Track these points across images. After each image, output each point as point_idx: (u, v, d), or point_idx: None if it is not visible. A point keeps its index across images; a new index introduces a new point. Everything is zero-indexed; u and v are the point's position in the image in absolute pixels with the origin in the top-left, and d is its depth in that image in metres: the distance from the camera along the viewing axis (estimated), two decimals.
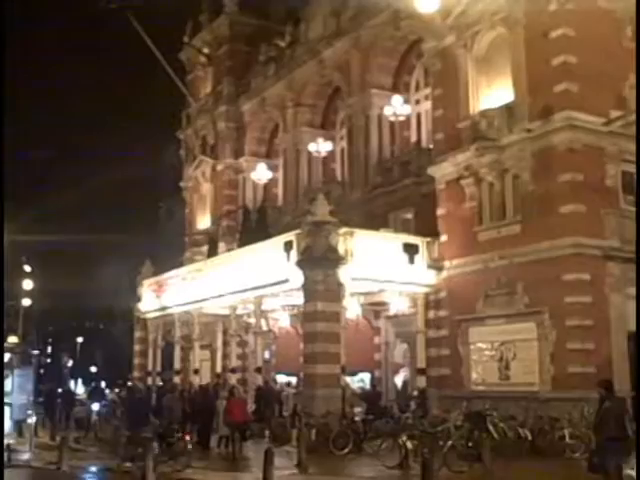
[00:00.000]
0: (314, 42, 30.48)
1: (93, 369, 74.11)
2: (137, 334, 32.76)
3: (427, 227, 22.92)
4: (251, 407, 22.77)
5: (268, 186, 33.92)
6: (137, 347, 32.83)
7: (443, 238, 22.41)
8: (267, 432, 21.70)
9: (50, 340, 77.70)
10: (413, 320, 23.16)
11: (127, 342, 37.70)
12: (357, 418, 20.16)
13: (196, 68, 39.16)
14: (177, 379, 28.89)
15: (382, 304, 24.38)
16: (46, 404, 26.38)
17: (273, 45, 34.07)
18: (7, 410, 17.20)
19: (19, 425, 19.64)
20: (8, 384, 17.46)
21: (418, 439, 15.52)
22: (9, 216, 21.20)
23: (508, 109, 20.64)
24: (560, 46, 19.52)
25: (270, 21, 35.98)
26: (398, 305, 23.52)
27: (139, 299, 31.71)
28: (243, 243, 26.34)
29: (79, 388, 63.45)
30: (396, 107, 25.84)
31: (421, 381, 22.32)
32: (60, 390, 30.54)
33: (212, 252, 29.74)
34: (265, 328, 27.33)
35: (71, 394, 30.13)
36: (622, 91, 19.87)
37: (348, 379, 24.35)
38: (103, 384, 53.35)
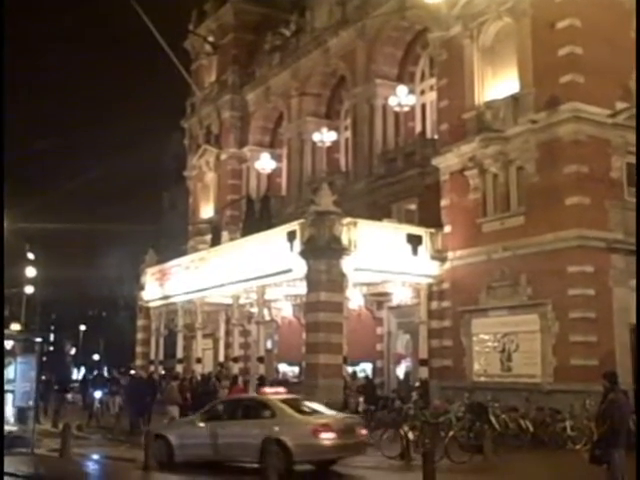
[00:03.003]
0: (319, 31, 30.35)
1: (96, 357, 74.28)
2: (140, 322, 32.80)
3: (431, 218, 22.88)
4: None
5: (272, 176, 33.90)
6: (140, 335, 32.87)
7: (447, 229, 22.36)
8: None
9: (53, 328, 77.86)
10: (416, 311, 23.15)
11: (130, 330, 37.76)
12: (360, 408, 20.18)
13: (201, 57, 39.05)
14: (180, 368, 28.95)
15: (385, 295, 24.36)
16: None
17: (278, 34, 33.94)
18: (10, 397, 17.26)
19: (22, 412, 19.70)
20: (11, 372, 17.48)
21: (419, 430, 15.54)
22: (13, 204, 21.22)
23: (513, 100, 20.54)
24: (566, 37, 19.40)
25: (275, 10, 35.86)
26: (401, 296, 23.51)
27: (142, 287, 31.74)
28: (246, 232, 26.34)
29: (81, 376, 63.54)
30: (401, 97, 25.80)
31: (423, 372, 22.33)
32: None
33: (215, 241, 29.72)
34: (268, 318, 27.35)
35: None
36: (628, 83, 19.75)
37: (358, 369, 24.40)
38: (106, 372, 53.50)
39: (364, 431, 14.10)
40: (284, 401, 14.03)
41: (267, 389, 16.02)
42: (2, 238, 23.78)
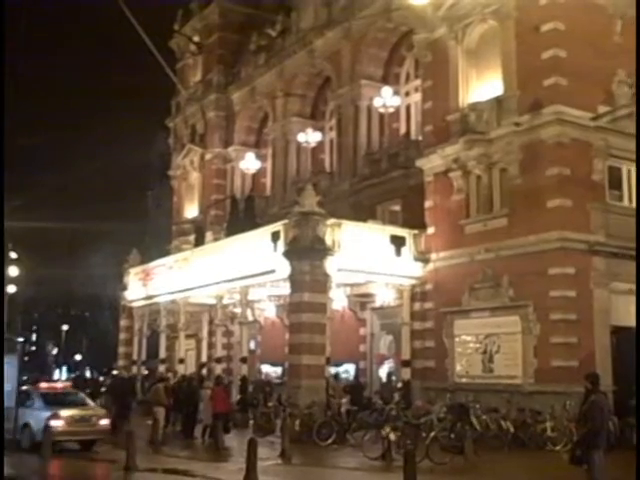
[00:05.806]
0: (305, 32, 30.35)
1: (78, 357, 73.83)
2: (123, 322, 32.65)
3: (414, 219, 22.93)
4: (236, 397, 22.79)
5: (256, 176, 33.85)
6: (122, 336, 32.71)
7: (430, 230, 22.41)
8: (251, 422, 21.72)
9: (35, 328, 77.34)
10: (399, 312, 23.17)
11: (113, 330, 37.56)
12: (342, 409, 20.17)
13: (186, 56, 38.96)
14: (162, 368, 28.83)
15: (368, 295, 24.38)
16: None
17: (264, 34, 33.93)
18: None
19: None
20: None
21: (401, 431, 15.55)
22: None
23: (497, 102, 20.63)
24: (550, 40, 19.51)
25: (261, 10, 35.81)
26: (384, 297, 23.53)
27: (125, 287, 31.60)
28: (230, 233, 26.28)
29: (63, 376, 63.19)
30: (386, 98, 25.81)
31: (405, 373, 22.36)
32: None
33: (199, 241, 29.65)
34: (251, 318, 27.30)
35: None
36: (610, 86, 19.94)
37: (341, 370, 24.40)
38: (88, 373, 53.20)
39: (103, 421, 17.66)
40: (44, 394, 18.07)
41: (43, 384, 19.48)
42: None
